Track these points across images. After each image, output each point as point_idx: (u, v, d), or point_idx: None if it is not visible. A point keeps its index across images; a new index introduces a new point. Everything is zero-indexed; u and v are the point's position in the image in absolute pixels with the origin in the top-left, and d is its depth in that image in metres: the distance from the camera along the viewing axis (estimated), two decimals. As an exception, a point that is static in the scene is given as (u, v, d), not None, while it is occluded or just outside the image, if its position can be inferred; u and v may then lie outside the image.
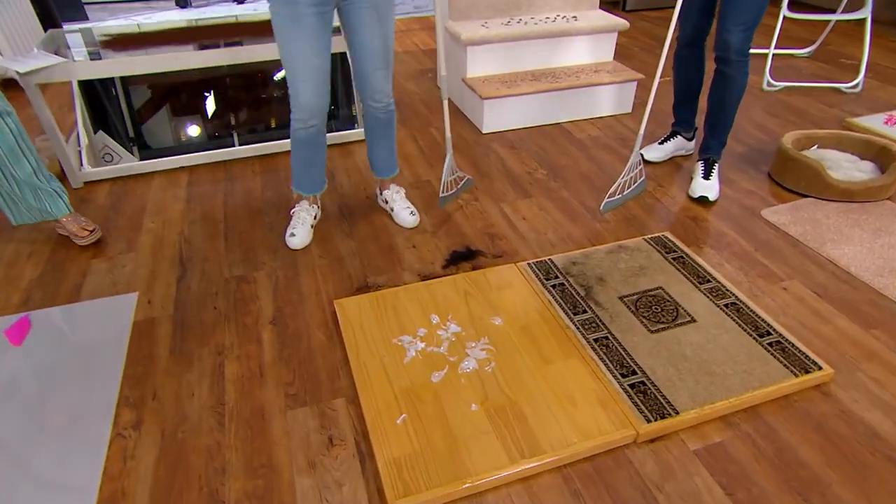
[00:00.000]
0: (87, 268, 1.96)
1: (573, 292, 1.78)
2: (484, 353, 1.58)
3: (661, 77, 2.07)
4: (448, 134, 2.10)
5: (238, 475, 1.32)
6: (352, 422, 1.44)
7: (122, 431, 1.42)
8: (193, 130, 2.88)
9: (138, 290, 1.86)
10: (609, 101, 2.97)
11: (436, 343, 1.61)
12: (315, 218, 2.11)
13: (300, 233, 2.03)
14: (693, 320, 1.68)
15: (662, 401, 1.43)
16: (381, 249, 2.04)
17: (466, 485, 1.25)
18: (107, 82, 2.66)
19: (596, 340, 1.61)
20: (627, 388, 1.47)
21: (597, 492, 1.28)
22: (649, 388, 1.47)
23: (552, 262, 1.92)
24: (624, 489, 1.29)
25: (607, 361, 1.55)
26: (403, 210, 2.15)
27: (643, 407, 1.42)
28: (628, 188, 2.31)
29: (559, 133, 2.85)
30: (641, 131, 2.20)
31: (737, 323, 1.66)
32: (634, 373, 1.51)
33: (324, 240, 2.09)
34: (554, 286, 1.81)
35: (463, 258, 1.99)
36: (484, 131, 2.84)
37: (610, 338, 1.62)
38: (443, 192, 2.15)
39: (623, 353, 1.57)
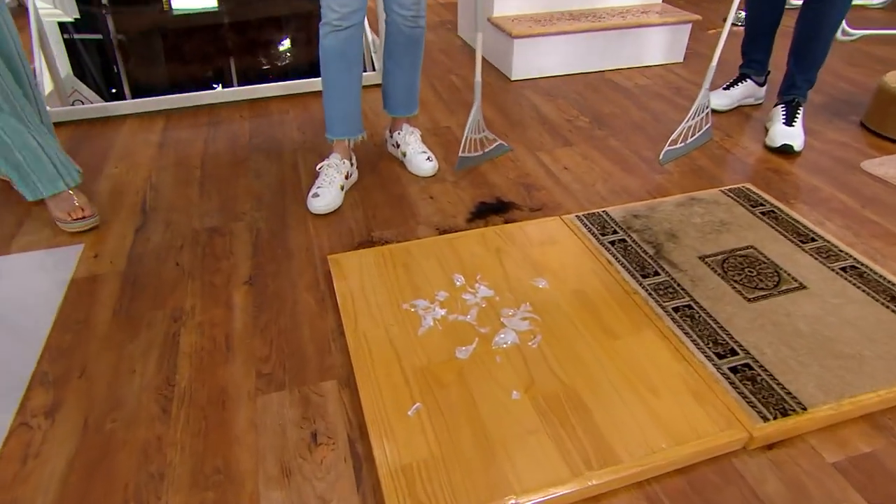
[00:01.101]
0: (26, 216, 1.56)
1: (638, 251, 1.36)
2: (526, 323, 1.16)
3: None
4: (478, 78, 1.68)
5: (181, 485, 0.92)
6: (345, 412, 1.04)
7: (29, 419, 1.02)
8: (176, 72, 2.48)
9: (84, 243, 1.47)
10: (658, 46, 2.53)
11: (461, 310, 1.20)
12: (348, 178, 1.65)
13: (326, 193, 1.56)
14: (803, 286, 1.25)
15: (780, 392, 1.01)
16: (389, 200, 1.63)
17: (508, 507, 0.85)
18: (81, 24, 2.26)
19: (676, 310, 1.19)
20: (728, 372, 1.05)
21: (698, 521, 0.87)
22: (758, 374, 1.05)
23: (607, 214, 1.50)
24: (738, 518, 0.87)
25: (695, 336, 1.13)
26: (418, 155, 1.74)
27: (754, 399, 1.00)
28: (692, 136, 1.89)
29: (601, 81, 2.42)
30: (714, 61, 1.77)
31: (863, 291, 1.23)
32: (735, 352, 1.09)
33: (320, 189, 1.68)
34: (613, 243, 1.39)
35: (493, 211, 1.58)
36: (513, 78, 2.42)
37: (694, 307, 1.20)
38: (463, 151, 1.73)
39: (715, 326, 1.15)
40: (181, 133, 1.99)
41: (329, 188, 1.57)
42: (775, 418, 0.97)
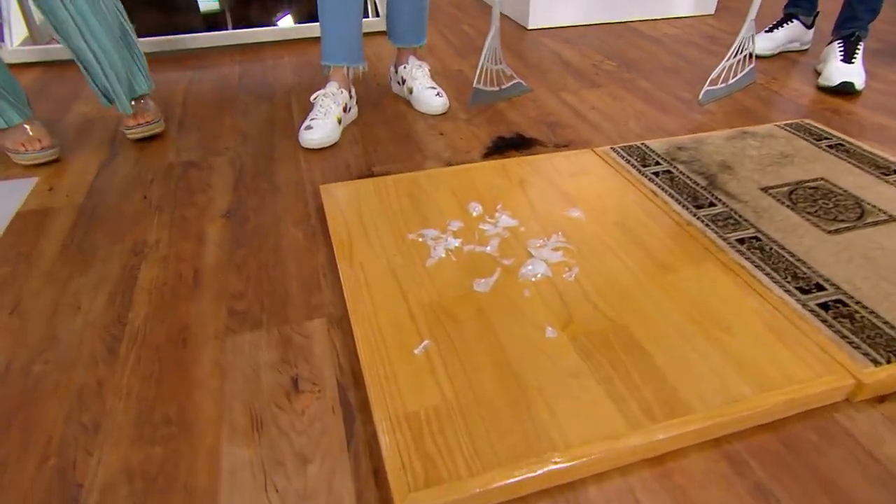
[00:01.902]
0: (-23, 149, 1.36)
1: (688, 182, 1.14)
2: (559, 254, 0.95)
3: None
4: None
5: (120, 438, 0.71)
6: (335, 354, 0.82)
7: (-60, 359, 0.82)
8: (162, 14, 2.27)
9: (39, 177, 1.26)
10: (688, -4, 2.31)
11: (479, 240, 0.98)
12: (347, 111, 1.43)
13: (321, 126, 1.34)
14: (893, 218, 1.03)
15: (890, 332, 0.79)
16: (394, 137, 1.42)
17: (547, 467, 0.63)
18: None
19: (741, 241, 0.97)
20: (817, 308, 0.83)
21: (796, 487, 0.65)
22: (856, 311, 0.83)
23: (647, 146, 1.28)
24: (846, 481, 0.65)
25: (769, 270, 0.91)
26: (426, 90, 1.52)
27: (857, 340, 0.78)
28: (733, 77, 1.66)
29: (625, 30, 2.20)
30: (761, -11, 1.55)
31: (967, 223, 1.01)
32: (821, 287, 0.87)
33: (315, 126, 1.47)
34: (656, 174, 1.17)
35: (512, 146, 1.36)
36: (529, 26, 2.20)
37: (762, 238, 0.98)
38: (478, 82, 1.51)
39: (792, 259, 0.93)
40: (163, 75, 1.78)
41: (324, 120, 1.36)
42: (888, 362, 0.75)
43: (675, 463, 0.67)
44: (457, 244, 0.96)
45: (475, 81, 1.50)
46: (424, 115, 1.52)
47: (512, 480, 0.61)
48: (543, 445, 0.65)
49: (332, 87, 1.40)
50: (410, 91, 1.54)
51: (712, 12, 2.39)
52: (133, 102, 1.35)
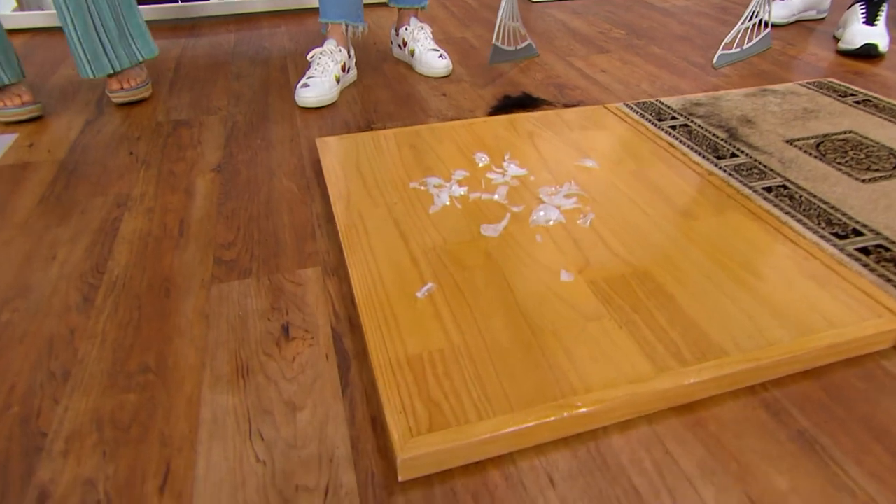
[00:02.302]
0: (-43, 108, 1.29)
1: (707, 134, 1.07)
2: (573, 200, 0.88)
3: None
4: None
5: (91, 386, 0.64)
6: (329, 302, 0.75)
7: None
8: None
9: (20, 133, 1.19)
10: (697, -31, 2.24)
11: (486, 188, 0.91)
12: (346, 71, 1.36)
13: (318, 84, 1.27)
14: (930, 167, 0.96)
15: (937, 273, 0.72)
16: (395, 97, 1.35)
17: (566, 412, 0.56)
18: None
19: (768, 189, 0.90)
20: (857, 253, 0.76)
21: (844, 435, 0.58)
22: (899, 255, 0.76)
23: (661, 102, 1.21)
24: (908, 434, 0.58)
25: (800, 216, 0.84)
26: (429, 52, 1.45)
27: (902, 282, 0.71)
28: (748, 42, 1.59)
29: (634, 3, 2.13)
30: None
31: None
32: (859, 233, 0.80)
33: (312, 87, 1.40)
34: (673, 128, 1.10)
35: (519, 105, 1.29)
36: (535, -2, 2.14)
37: (791, 187, 0.91)
38: (497, 38, 1.44)
39: (824, 206, 0.86)
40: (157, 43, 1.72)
41: (321, 78, 1.29)
42: (939, 304, 0.68)
43: (706, 411, 0.60)
44: (462, 192, 0.89)
45: (494, 38, 1.44)
46: (427, 78, 1.45)
47: (527, 425, 0.54)
48: (562, 390, 0.58)
49: (329, 44, 1.33)
50: (412, 53, 1.48)
51: (723, -14, 2.32)
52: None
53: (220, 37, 1.78)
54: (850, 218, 0.83)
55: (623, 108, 1.18)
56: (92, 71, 1.23)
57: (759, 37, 1.61)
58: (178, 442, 0.58)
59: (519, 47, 1.53)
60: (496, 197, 0.88)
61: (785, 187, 0.90)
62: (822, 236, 0.79)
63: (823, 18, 1.88)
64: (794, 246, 0.78)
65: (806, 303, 0.68)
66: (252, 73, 1.50)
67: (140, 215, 0.93)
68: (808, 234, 0.80)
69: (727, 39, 1.56)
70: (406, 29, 1.49)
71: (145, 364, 0.66)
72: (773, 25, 1.79)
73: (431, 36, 1.50)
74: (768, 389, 0.63)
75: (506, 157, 0.99)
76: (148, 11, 1.85)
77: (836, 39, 1.68)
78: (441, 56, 1.45)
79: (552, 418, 0.55)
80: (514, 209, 0.86)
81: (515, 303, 0.69)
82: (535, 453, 0.56)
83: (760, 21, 1.59)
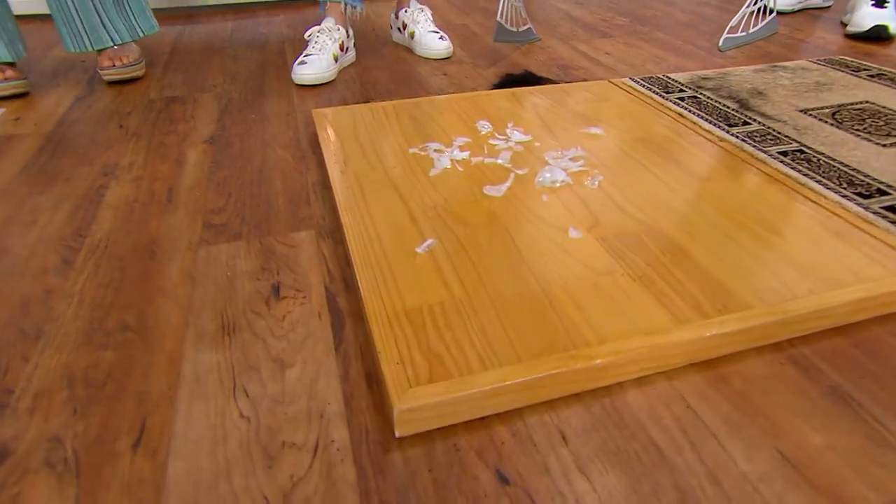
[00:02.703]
0: (-55, 86, 1.25)
1: (717, 105, 1.03)
2: (579, 163, 0.83)
3: None
4: None
5: (65, 343, 0.59)
6: (323, 262, 0.71)
7: None
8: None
9: (6, 109, 1.16)
10: (700, -38, 2.21)
11: (489, 152, 0.87)
12: (344, 51, 1.33)
13: (316, 61, 1.24)
14: (952, 133, 0.92)
15: (970, 229, 0.68)
16: (394, 77, 1.31)
17: (577, 364, 0.51)
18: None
19: (784, 154, 0.86)
20: (883, 211, 0.72)
21: (881, 391, 0.53)
22: (928, 213, 0.71)
23: (669, 77, 1.18)
24: (950, 390, 0.53)
25: (819, 178, 0.79)
26: (429, 34, 1.42)
27: (934, 238, 0.66)
28: (753, 27, 1.56)
29: (637, -6, 2.11)
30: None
31: None
32: (884, 192, 0.76)
33: (310, 68, 1.36)
34: (682, 99, 1.06)
35: (521, 82, 1.25)
36: (536, -10, 2.11)
37: (808, 151, 0.87)
38: (501, 16, 1.41)
39: (844, 168, 0.82)
40: (152, 29, 1.68)
41: (319, 55, 1.25)
42: (975, 258, 0.63)
43: (729, 367, 0.56)
44: (464, 156, 0.85)
45: (498, 15, 1.40)
46: (427, 60, 1.42)
47: (536, 376, 0.49)
48: (573, 341, 0.53)
49: (328, 22, 1.30)
50: (412, 35, 1.44)
51: (725, -21, 2.29)
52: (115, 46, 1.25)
53: (217, 24, 1.75)
54: (874, 179, 0.79)
55: (629, 83, 1.14)
56: (90, 43, 1.20)
57: (765, 21, 1.58)
58: (155, 399, 0.53)
59: (520, 29, 1.50)
60: (499, 161, 0.84)
61: (801, 151, 0.86)
62: (845, 196, 0.75)
63: (829, 7, 1.85)
64: (815, 206, 0.73)
65: (833, 258, 0.64)
66: (249, 55, 1.46)
67: (127, 183, 0.89)
68: (830, 194, 0.75)
69: (732, 23, 1.53)
70: (406, 11, 1.46)
71: (124, 322, 0.62)
72: (779, 13, 1.76)
73: (431, 18, 1.47)
74: (795, 346, 0.58)
75: (509, 125, 0.95)
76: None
77: (844, 25, 1.65)
78: (441, 37, 1.41)
79: (562, 369, 0.50)
80: (519, 172, 0.81)
81: (521, 258, 0.64)
82: (546, 409, 0.51)
83: (765, 7, 1.56)
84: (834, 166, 0.82)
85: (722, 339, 0.55)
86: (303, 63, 1.24)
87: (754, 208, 0.73)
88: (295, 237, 0.75)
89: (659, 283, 0.60)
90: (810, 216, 0.71)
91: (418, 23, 1.44)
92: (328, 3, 1.32)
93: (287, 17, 1.82)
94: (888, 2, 1.52)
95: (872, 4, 1.53)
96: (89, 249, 0.74)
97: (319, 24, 1.30)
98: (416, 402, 0.47)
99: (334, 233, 0.76)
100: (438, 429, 0.49)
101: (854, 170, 0.81)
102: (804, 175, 0.80)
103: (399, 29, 1.50)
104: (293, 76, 1.24)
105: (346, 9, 1.34)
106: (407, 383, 0.49)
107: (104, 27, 1.21)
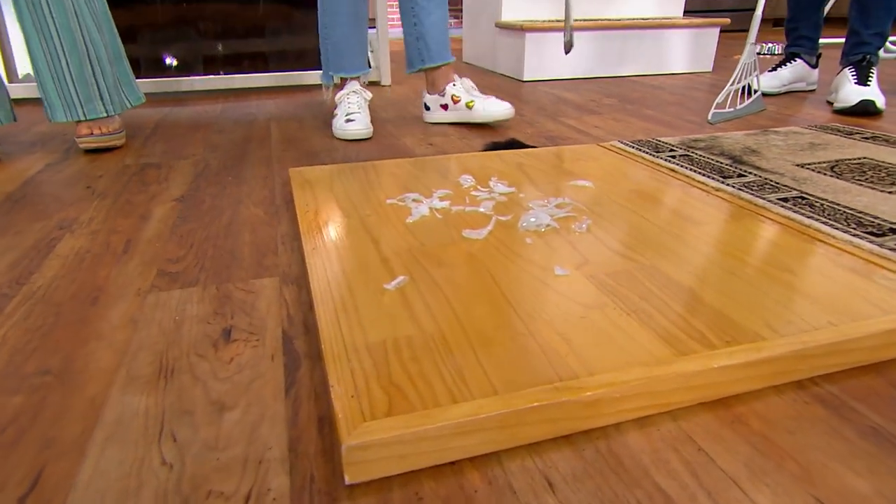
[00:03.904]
0: (-84, 155, 1.25)
1: (711, 161, 1.02)
2: (566, 209, 0.80)
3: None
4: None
5: (-27, 388, 0.52)
6: (284, 307, 0.65)
7: None
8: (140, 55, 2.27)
9: (-25, 173, 1.14)
10: (683, 53, 2.33)
11: (471, 202, 0.84)
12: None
13: (361, 118, 1.34)
14: (958, 182, 0.89)
15: None
16: (379, 147, 1.31)
17: (564, 397, 0.44)
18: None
19: (784, 200, 0.83)
20: (898, 248, 0.67)
21: (929, 438, 0.46)
22: (948, 250, 0.67)
23: (659, 139, 1.18)
24: None
25: (825, 219, 0.76)
26: (489, 100, 1.43)
27: (959, 271, 0.61)
28: (741, 104, 1.60)
29: (623, 81, 2.19)
30: (759, 10, 1.53)
31: None
32: (896, 232, 0.72)
33: (294, 139, 1.37)
34: (673, 157, 1.05)
35: (508, 147, 1.25)
36: (525, 78, 2.20)
37: (810, 197, 0.84)
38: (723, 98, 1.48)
39: (853, 212, 0.78)
40: (137, 111, 1.72)
41: (360, 114, 1.35)
42: None
43: (745, 407, 0.49)
44: (443, 205, 0.82)
45: (720, 97, 1.52)
46: (411, 129, 1.43)
47: (513, 410, 0.42)
48: (558, 374, 0.47)
49: (352, 86, 1.39)
50: (470, 106, 1.44)
51: (709, 69, 2.40)
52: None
53: (207, 106, 1.79)
54: (885, 220, 0.75)
55: (618, 145, 1.14)
56: (84, 113, 1.21)
57: (751, 99, 1.62)
58: (63, 446, 0.45)
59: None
60: (481, 209, 0.81)
61: (802, 198, 0.83)
62: (856, 235, 0.71)
63: (814, 90, 1.92)
64: (823, 245, 0.69)
65: (851, 291, 0.59)
66: (234, 130, 1.48)
67: (83, 236, 0.84)
68: (839, 233, 0.71)
69: (718, 100, 1.57)
70: (454, 85, 1.47)
71: (45, 367, 0.55)
72: (764, 94, 1.82)
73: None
74: (820, 384, 0.51)
75: (492, 179, 0.93)
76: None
77: (831, 103, 1.69)
78: (500, 99, 1.44)
79: (547, 402, 0.43)
80: (502, 218, 0.78)
81: (502, 294, 0.59)
82: (529, 452, 0.44)
83: (749, 87, 1.61)
84: (839, 210, 0.79)
85: (733, 372, 0.48)
86: (350, 120, 1.33)
87: (758, 248, 0.69)
88: (256, 283, 0.70)
89: (656, 317, 0.54)
90: (820, 254, 0.67)
91: (474, 92, 1.46)
92: (348, 77, 1.38)
93: (278, 101, 1.87)
94: (870, 80, 1.57)
95: (856, 82, 1.58)
96: (25, 296, 0.68)
97: (345, 88, 1.37)
98: (369, 438, 0.40)
99: (300, 279, 0.71)
100: (398, 475, 0.42)
101: (861, 212, 0.78)
102: (809, 218, 0.76)
103: (444, 106, 1.49)
104: (340, 133, 1.34)
105: (360, 78, 1.40)
106: (360, 416, 0.42)
107: (101, 98, 1.23)
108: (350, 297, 0.58)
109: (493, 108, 1.42)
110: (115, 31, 1.31)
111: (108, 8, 1.28)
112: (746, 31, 1.61)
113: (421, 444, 0.41)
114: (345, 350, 0.50)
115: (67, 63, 1.18)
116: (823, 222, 0.75)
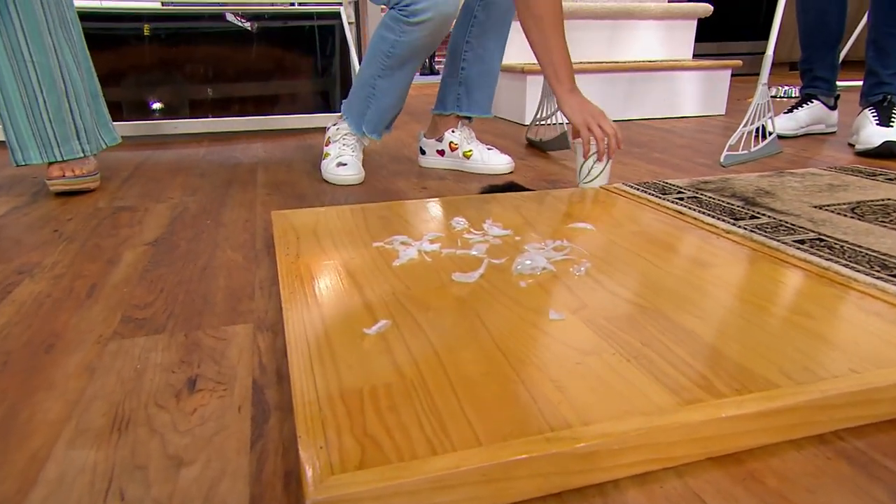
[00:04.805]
0: None
1: (721, 203, 1.03)
2: (564, 252, 0.80)
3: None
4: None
5: None
6: (257, 355, 0.64)
7: None
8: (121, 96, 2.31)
9: (-63, 216, 1.15)
10: (694, 96, 2.39)
11: (463, 245, 0.84)
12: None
13: (353, 163, 1.37)
14: None
15: None
16: (372, 191, 1.33)
17: (555, 448, 0.43)
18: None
19: (801, 242, 0.83)
20: (924, 291, 0.67)
21: (966, 498, 0.44)
22: (978, 293, 0.66)
23: (666, 181, 1.19)
24: None
25: (845, 261, 0.75)
26: (488, 152, 1.47)
27: None
28: (755, 146, 1.63)
29: (632, 124, 2.23)
30: (770, 49, 1.58)
31: None
32: (922, 275, 0.71)
33: (282, 182, 1.39)
34: (681, 199, 1.06)
35: (505, 191, 1.26)
36: (527, 122, 2.24)
37: (828, 239, 0.84)
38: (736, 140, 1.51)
39: (876, 254, 0.78)
40: (115, 154, 1.75)
41: (354, 158, 1.37)
42: None
43: (759, 462, 0.47)
44: (433, 248, 0.82)
45: (733, 139, 1.56)
46: (405, 173, 1.45)
47: (498, 462, 0.41)
48: (549, 423, 0.45)
49: (350, 138, 1.41)
50: (468, 155, 1.47)
51: (723, 112, 2.45)
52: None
53: (191, 149, 1.83)
54: (907, 263, 0.75)
55: (622, 187, 1.15)
56: (61, 154, 1.24)
57: (766, 141, 1.65)
58: (-2, 504, 0.44)
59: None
60: (473, 252, 0.81)
61: (820, 240, 0.83)
62: (879, 277, 0.70)
63: (834, 132, 1.95)
64: (843, 288, 0.69)
65: (875, 337, 0.58)
66: (216, 173, 1.50)
67: (44, 281, 0.84)
68: (861, 276, 0.71)
69: (731, 142, 1.60)
70: (454, 132, 1.50)
71: (-11, 418, 0.54)
72: (780, 137, 1.85)
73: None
74: (844, 439, 0.50)
75: (487, 221, 0.93)
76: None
77: (852, 146, 1.72)
78: (501, 152, 1.47)
79: (536, 454, 0.42)
80: (495, 261, 0.78)
81: (490, 338, 0.58)
82: (516, 512, 0.42)
83: (763, 128, 1.64)
84: (861, 252, 0.78)
85: (744, 423, 0.47)
86: (341, 164, 1.35)
87: (772, 291, 0.68)
88: (228, 330, 0.70)
89: (659, 363, 0.53)
90: (840, 297, 0.66)
91: (473, 140, 1.49)
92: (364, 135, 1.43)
93: (265, 144, 1.91)
94: (893, 121, 1.60)
95: (878, 123, 1.60)
96: (-24, 344, 0.67)
97: (339, 125, 1.42)
98: (337, 493, 0.38)
99: (275, 325, 0.70)
100: (369, 537, 0.40)
101: (885, 255, 0.77)
102: (827, 260, 0.76)
103: (440, 151, 1.52)
104: (331, 177, 1.36)
105: (363, 138, 1.44)
106: (329, 469, 0.40)
107: (78, 138, 1.26)
108: (327, 343, 0.57)
109: (493, 161, 1.45)
110: (93, 68, 1.35)
111: (85, 45, 1.32)
112: (759, 74, 1.65)
113: (395, 499, 0.39)
114: (317, 398, 0.49)
115: (45, 101, 1.20)
116: (844, 265, 0.74)
